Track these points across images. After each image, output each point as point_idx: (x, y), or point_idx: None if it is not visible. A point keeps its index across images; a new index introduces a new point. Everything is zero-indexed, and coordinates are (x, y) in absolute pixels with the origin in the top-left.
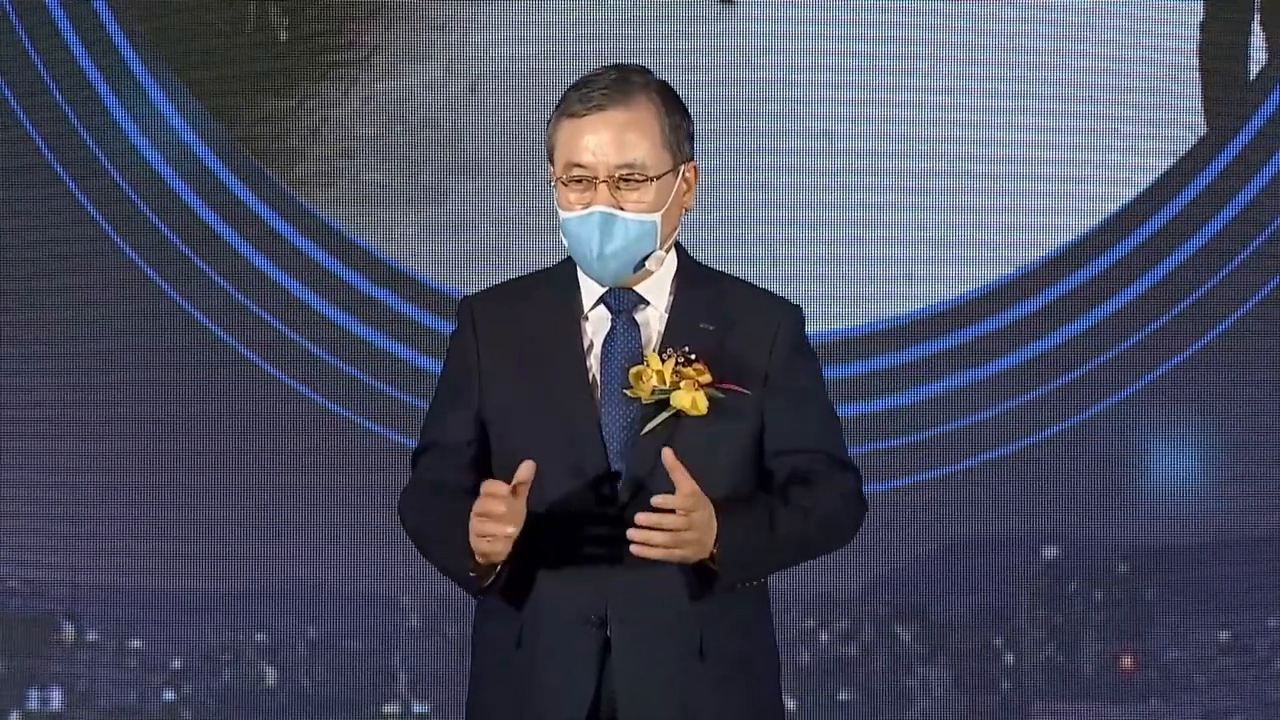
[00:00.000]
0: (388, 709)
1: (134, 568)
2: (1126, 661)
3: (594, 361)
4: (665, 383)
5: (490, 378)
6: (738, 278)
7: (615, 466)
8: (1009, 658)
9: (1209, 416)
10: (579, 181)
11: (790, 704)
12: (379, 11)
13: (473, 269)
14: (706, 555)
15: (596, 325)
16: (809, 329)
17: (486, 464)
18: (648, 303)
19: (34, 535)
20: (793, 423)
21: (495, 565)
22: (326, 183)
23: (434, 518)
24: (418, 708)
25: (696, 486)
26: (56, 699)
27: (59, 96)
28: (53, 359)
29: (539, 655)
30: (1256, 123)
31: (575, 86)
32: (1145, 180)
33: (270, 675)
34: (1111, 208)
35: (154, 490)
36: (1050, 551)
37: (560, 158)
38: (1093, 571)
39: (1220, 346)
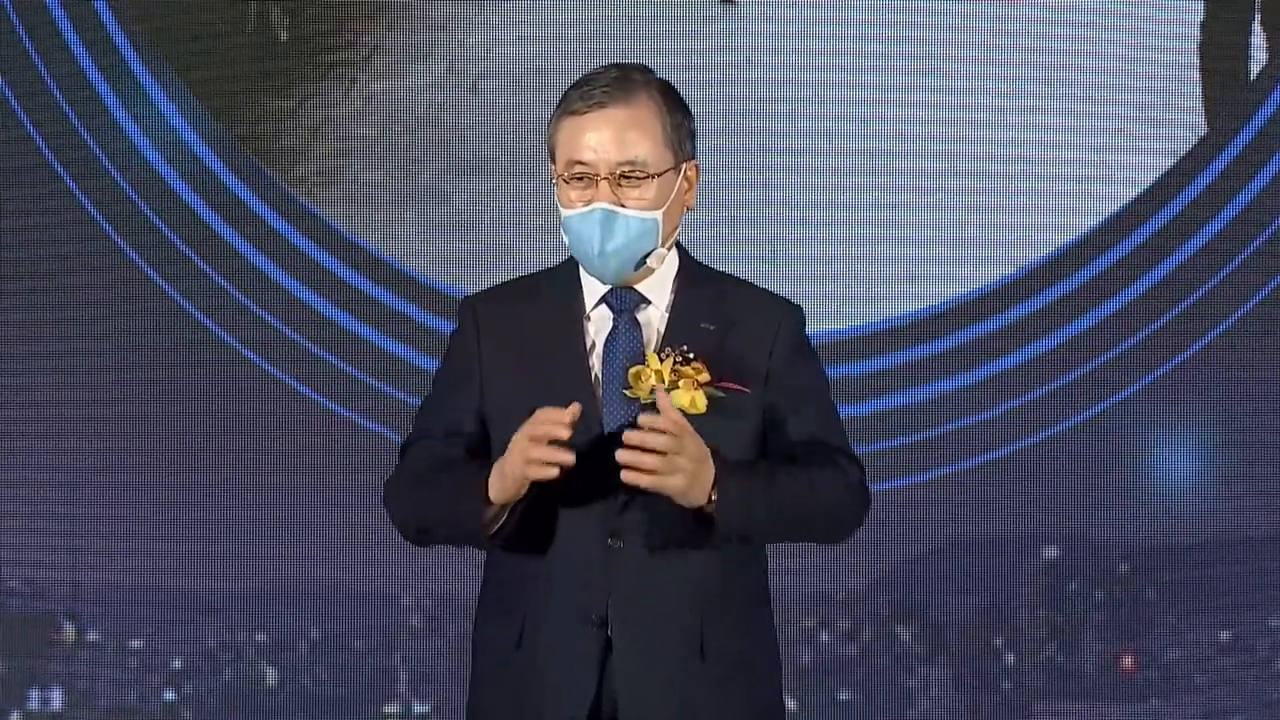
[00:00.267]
0: (388, 709)
1: (134, 567)
2: (1127, 661)
3: (596, 361)
4: (664, 382)
5: (492, 376)
6: (739, 278)
7: (615, 466)
8: (1009, 658)
9: (1209, 416)
10: (580, 179)
11: (790, 704)
12: (379, 11)
13: (473, 269)
14: (704, 498)
15: (598, 325)
16: (809, 329)
17: (483, 459)
18: (649, 302)
19: (34, 535)
20: (795, 422)
21: (508, 509)
22: (326, 183)
23: (438, 479)
24: (418, 708)
25: (687, 425)
26: (57, 699)
27: (59, 96)
28: (53, 358)
29: (539, 655)
30: (1257, 123)
31: (576, 85)
32: (1145, 180)
33: (270, 675)
34: (1112, 208)
35: (154, 490)
36: (1051, 551)
37: (561, 155)
38: (1093, 571)
39: (1221, 346)
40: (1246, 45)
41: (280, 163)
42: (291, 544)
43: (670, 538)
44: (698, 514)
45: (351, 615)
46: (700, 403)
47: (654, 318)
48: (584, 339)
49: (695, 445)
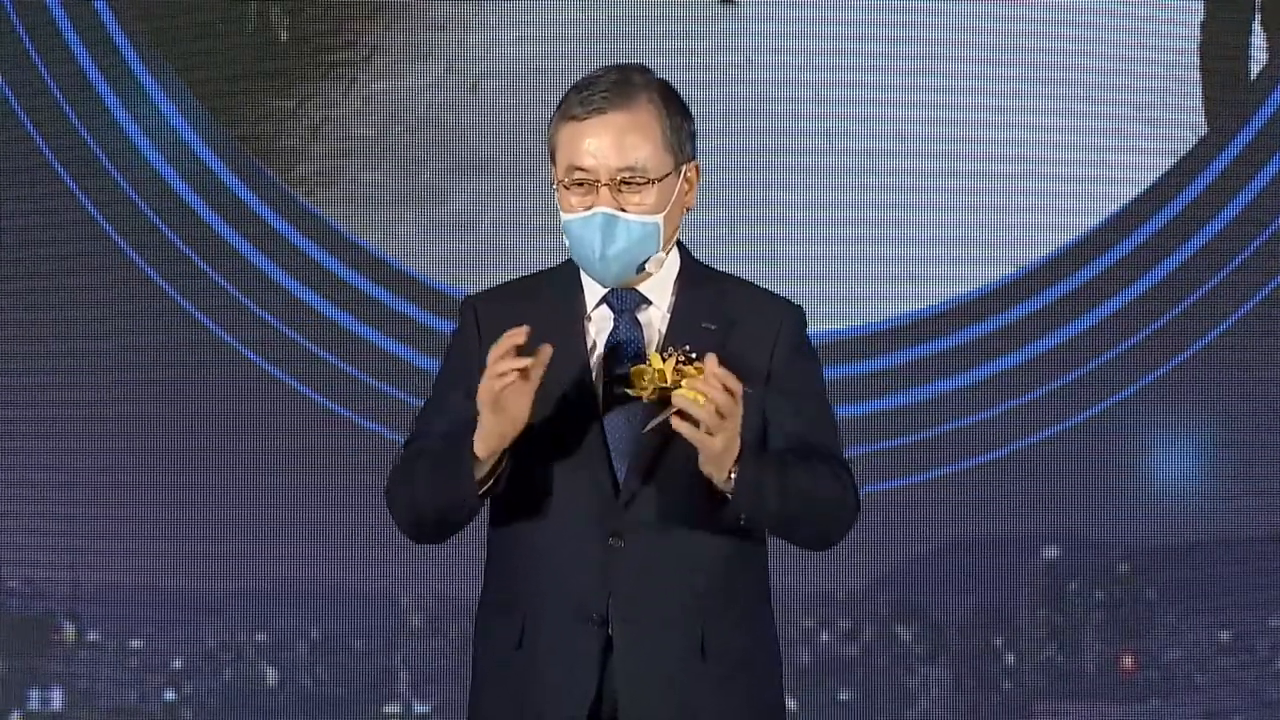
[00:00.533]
0: (388, 709)
1: (134, 567)
2: (1127, 661)
3: (596, 361)
4: (667, 381)
5: None
6: (739, 278)
7: (617, 466)
8: (1009, 658)
9: (1209, 416)
10: (580, 184)
11: (790, 704)
12: (379, 11)
13: (473, 269)
14: (725, 473)
15: (599, 325)
16: (809, 329)
17: None
18: (650, 302)
19: (34, 535)
20: (792, 423)
21: (498, 465)
22: (326, 182)
23: (429, 460)
24: (418, 708)
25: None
26: (57, 699)
27: (59, 96)
28: (52, 358)
29: (540, 654)
30: (1257, 123)
31: (576, 88)
32: (1146, 180)
33: (271, 675)
34: (1112, 208)
35: (154, 490)
36: (1051, 551)
37: (561, 160)
38: (1093, 571)
39: (1221, 346)
40: (1246, 45)
41: (280, 163)
42: (291, 544)
43: (671, 537)
44: (709, 489)
45: (351, 615)
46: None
47: (655, 318)
48: (584, 339)
49: (739, 419)
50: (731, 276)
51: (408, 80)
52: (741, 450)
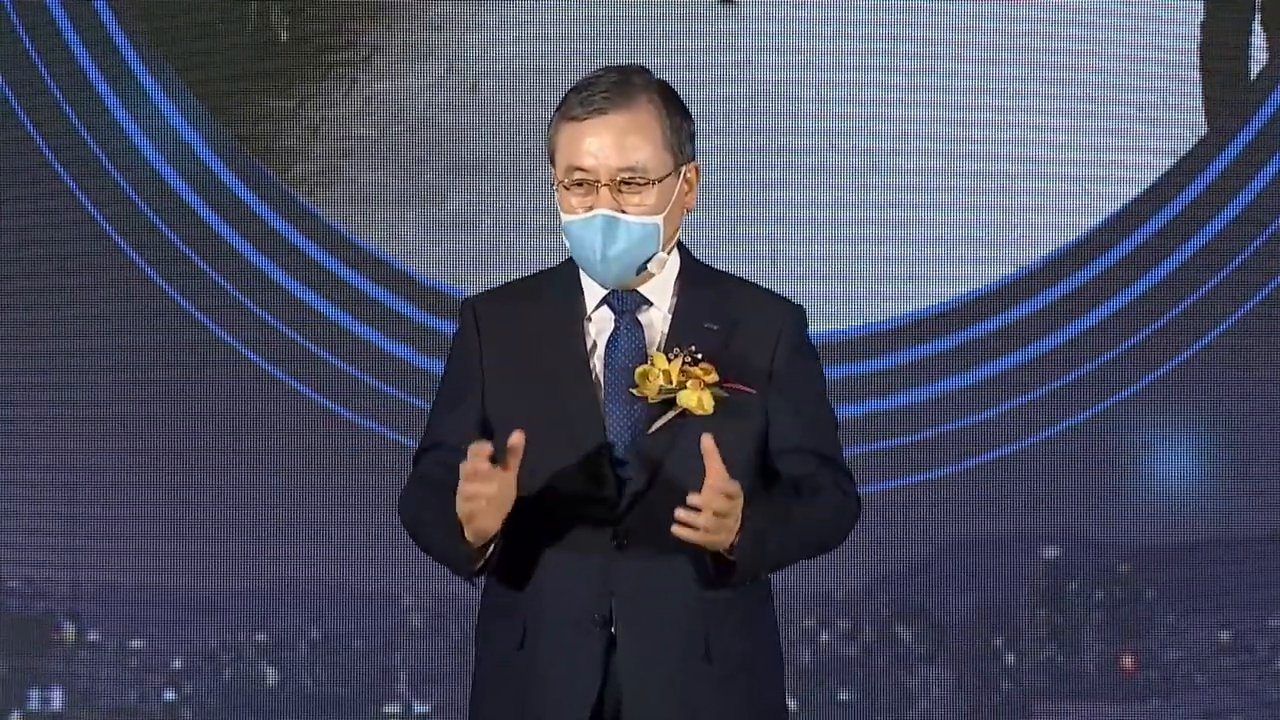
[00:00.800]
0: (388, 709)
1: (135, 567)
2: (1127, 661)
3: (597, 362)
4: (672, 382)
5: (493, 378)
6: (740, 278)
7: (619, 466)
8: (1010, 658)
9: (1209, 416)
10: (580, 185)
11: (791, 704)
12: (379, 11)
13: (473, 269)
14: (728, 544)
15: (600, 326)
16: (810, 329)
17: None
18: (651, 304)
19: (34, 535)
20: (791, 423)
21: (487, 547)
22: (326, 183)
23: (433, 511)
24: (419, 708)
25: (727, 475)
26: (57, 699)
27: (59, 96)
28: (52, 358)
29: (542, 656)
30: (1257, 123)
31: (576, 89)
32: (1146, 180)
33: (271, 675)
34: (1112, 208)
35: (154, 489)
36: (1051, 551)
37: (561, 161)
38: (1093, 571)
39: (1221, 346)
40: (1247, 45)
41: (280, 163)
42: (291, 544)
43: (673, 539)
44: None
45: (351, 615)
46: (707, 403)
47: (656, 319)
48: (585, 340)
49: (740, 502)
50: (732, 276)
51: (408, 80)
52: (742, 521)
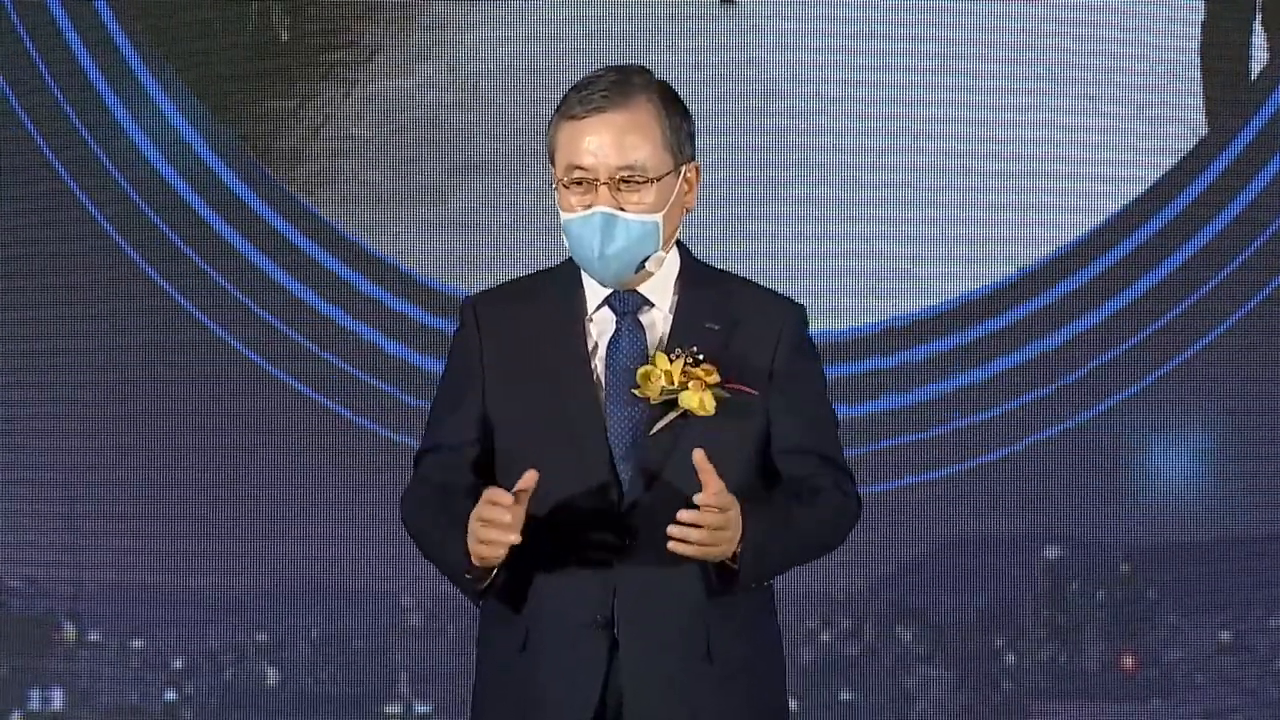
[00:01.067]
0: (389, 709)
1: (135, 567)
2: (1128, 661)
3: (598, 363)
4: (674, 382)
5: (494, 379)
6: (741, 277)
7: (620, 468)
8: (1010, 658)
9: (1210, 416)
10: (580, 184)
11: (791, 704)
12: (379, 11)
13: (472, 269)
14: (730, 553)
15: (601, 326)
16: (810, 328)
17: (489, 465)
18: (652, 304)
19: (35, 534)
20: (792, 422)
21: (492, 569)
22: (326, 182)
23: (435, 519)
24: (419, 708)
25: (723, 486)
26: (58, 698)
27: (59, 96)
28: (53, 357)
29: (544, 658)
30: (1258, 123)
31: (575, 88)
32: (1147, 180)
33: (271, 675)
34: (1113, 207)
35: (154, 489)
36: (1052, 551)
37: (561, 160)
38: (1094, 571)
39: (1221, 346)
40: (1247, 45)
41: (280, 163)
42: (292, 544)
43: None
44: (715, 565)
45: (352, 615)
46: (709, 404)
47: (658, 319)
48: (586, 340)
49: (737, 512)
50: (733, 276)
51: (408, 80)
52: (744, 530)
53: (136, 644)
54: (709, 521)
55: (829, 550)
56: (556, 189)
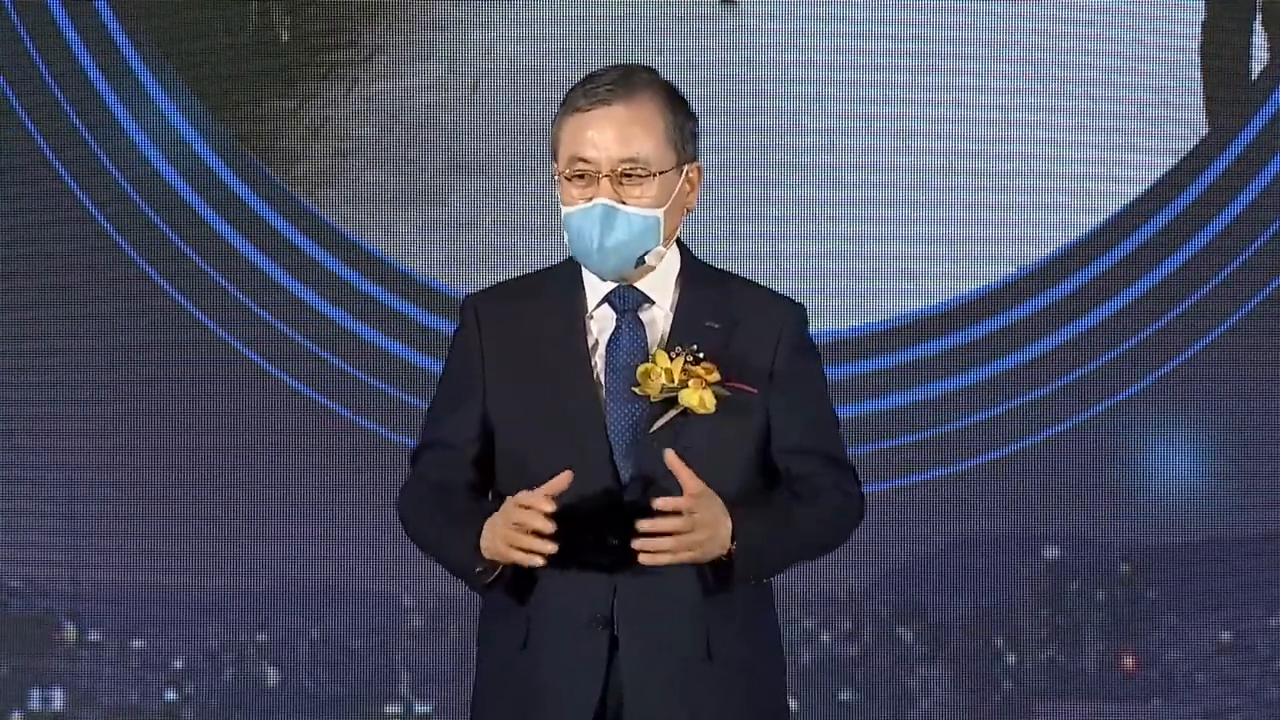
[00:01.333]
0: (389, 709)
1: (136, 567)
2: (1128, 661)
3: (599, 360)
4: (674, 381)
5: (494, 376)
6: (742, 276)
7: (621, 466)
8: (1010, 658)
9: (1210, 416)
10: (582, 176)
11: (792, 704)
12: (379, 11)
13: (473, 269)
14: (723, 551)
15: (601, 324)
16: (810, 328)
17: (488, 463)
18: (653, 302)
19: (35, 534)
20: (793, 421)
21: (497, 569)
22: (326, 182)
23: (437, 515)
24: (419, 708)
25: (702, 485)
26: (58, 698)
27: (59, 96)
28: (53, 357)
29: (545, 657)
30: (1258, 122)
31: (580, 83)
32: (1147, 180)
33: (272, 675)
34: (1114, 207)
35: (155, 489)
36: (1052, 551)
37: (564, 152)
38: (1094, 571)
39: (1221, 346)
40: (1247, 45)
41: (280, 162)
42: (292, 543)
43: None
44: (712, 562)
45: (353, 615)
46: (709, 402)
47: (658, 317)
48: (586, 338)
49: (708, 513)
50: (734, 275)
51: (408, 80)
52: (736, 525)
53: (137, 644)
54: (670, 526)
55: (829, 550)
56: (559, 182)
